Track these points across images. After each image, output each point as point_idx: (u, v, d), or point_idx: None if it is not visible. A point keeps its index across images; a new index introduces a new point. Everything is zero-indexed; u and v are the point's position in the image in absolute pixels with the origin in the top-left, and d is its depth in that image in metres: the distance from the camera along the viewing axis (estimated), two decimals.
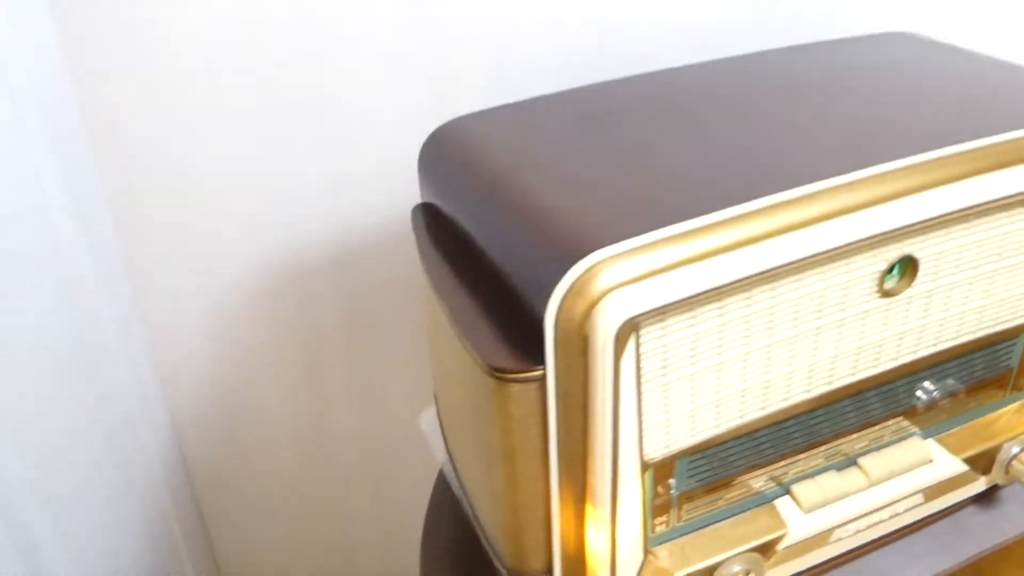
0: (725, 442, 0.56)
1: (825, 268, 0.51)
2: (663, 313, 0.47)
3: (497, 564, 0.59)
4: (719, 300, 0.49)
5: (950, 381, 0.63)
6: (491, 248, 0.54)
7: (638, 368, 0.48)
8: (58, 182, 0.78)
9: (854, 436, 0.62)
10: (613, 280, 0.45)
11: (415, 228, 0.62)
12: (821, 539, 0.61)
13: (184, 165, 0.85)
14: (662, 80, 0.67)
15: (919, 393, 0.63)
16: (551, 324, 0.46)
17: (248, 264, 0.92)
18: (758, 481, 0.60)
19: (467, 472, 0.63)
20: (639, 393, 0.49)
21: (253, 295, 0.94)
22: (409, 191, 0.89)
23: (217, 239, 0.89)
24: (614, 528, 0.53)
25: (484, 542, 0.61)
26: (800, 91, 0.64)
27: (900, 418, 0.63)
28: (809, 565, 0.62)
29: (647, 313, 0.45)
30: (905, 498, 0.63)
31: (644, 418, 0.51)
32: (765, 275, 0.48)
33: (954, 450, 0.65)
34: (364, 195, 0.91)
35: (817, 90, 0.64)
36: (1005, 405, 0.68)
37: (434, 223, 0.61)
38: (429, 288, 0.58)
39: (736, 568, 0.58)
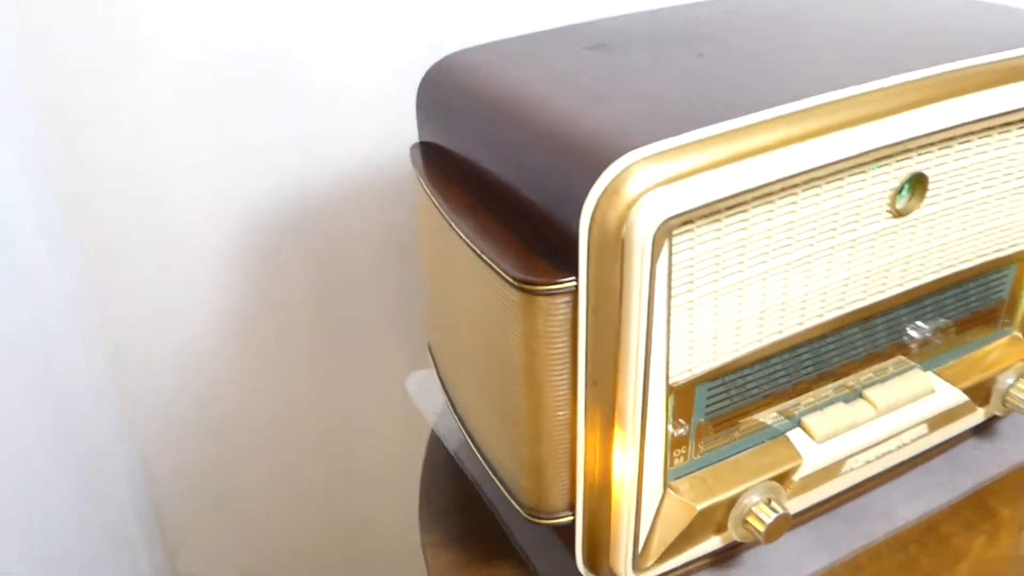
0: (742, 367, 0.55)
1: (843, 180, 0.51)
2: (693, 221, 0.47)
3: (515, 506, 0.57)
4: (744, 211, 0.48)
5: (949, 311, 0.64)
6: (506, 169, 0.52)
7: (669, 280, 0.47)
8: (11, 159, 0.74)
9: (861, 367, 0.62)
10: (649, 181, 0.44)
11: (415, 165, 0.60)
12: (834, 470, 0.61)
13: (138, 136, 0.81)
14: (666, 15, 0.67)
15: (920, 323, 0.63)
16: (585, 229, 0.44)
17: (209, 242, 0.88)
18: (771, 414, 0.59)
19: (480, 414, 0.61)
20: (668, 308, 0.48)
21: (217, 274, 0.91)
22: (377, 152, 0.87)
23: (176, 216, 0.86)
24: (642, 455, 0.51)
25: (500, 486, 0.58)
26: (810, 15, 0.64)
27: (901, 352, 0.64)
28: (823, 497, 0.62)
29: (684, 214, 0.44)
30: (911, 428, 0.63)
31: (672, 337, 0.50)
32: (788, 182, 0.48)
33: (952, 382, 0.66)
34: (329, 160, 0.88)
35: (826, 15, 0.64)
36: (997, 339, 0.69)
37: (436, 157, 0.60)
38: (438, 216, 0.56)
39: (756, 497, 0.57)
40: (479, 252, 0.50)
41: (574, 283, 0.46)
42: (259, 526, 1.08)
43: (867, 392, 0.63)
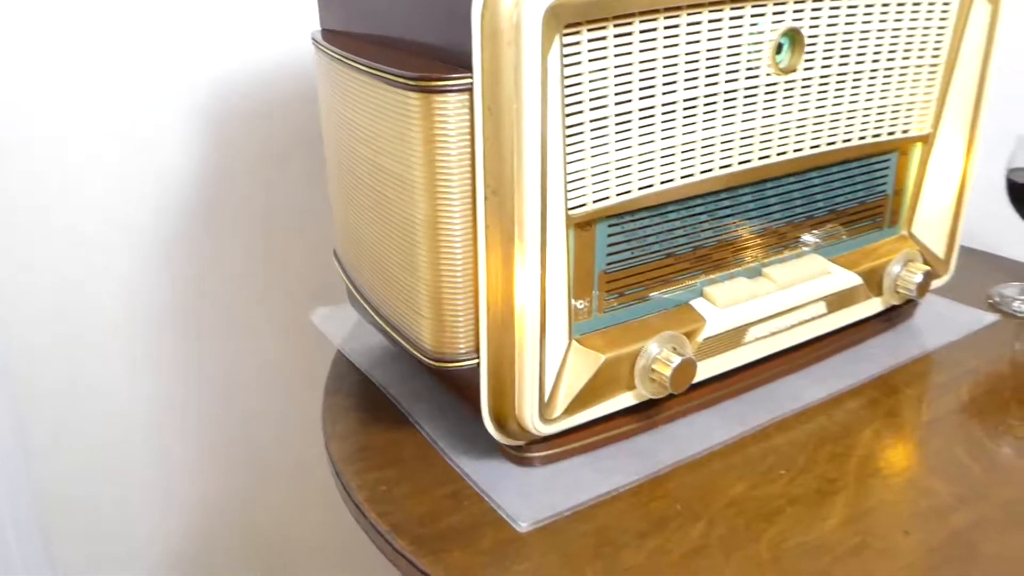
0: (638, 212, 0.56)
1: (722, 21, 0.54)
2: (580, 24, 0.48)
3: (420, 358, 0.55)
4: (628, 27, 0.50)
5: (837, 195, 0.67)
6: (399, 13, 0.54)
7: (562, 91, 0.48)
8: None
9: (758, 242, 0.63)
10: None
11: (315, 42, 0.61)
12: (736, 337, 0.61)
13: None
14: None
15: (813, 202, 0.65)
16: (477, 17, 0.45)
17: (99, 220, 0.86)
18: (675, 281, 0.60)
19: (382, 276, 0.59)
20: (563, 127, 0.49)
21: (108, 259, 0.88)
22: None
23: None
24: (544, 276, 0.51)
25: (404, 344, 0.57)
26: None
27: (797, 237, 0.66)
28: (729, 366, 0.62)
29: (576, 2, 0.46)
30: (810, 303, 0.64)
31: (568, 163, 0.50)
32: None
33: (847, 267, 0.68)
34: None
35: None
36: (886, 236, 0.72)
37: (336, 35, 0.61)
38: (337, 70, 0.56)
39: (661, 346, 0.57)
40: (376, 69, 0.50)
41: (469, 79, 0.47)
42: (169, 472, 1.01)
43: (767, 270, 0.64)
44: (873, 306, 0.69)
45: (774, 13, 0.56)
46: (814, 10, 0.58)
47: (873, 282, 0.69)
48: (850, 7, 0.60)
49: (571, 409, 0.55)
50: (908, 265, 0.69)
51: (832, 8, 0.59)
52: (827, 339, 0.70)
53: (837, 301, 0.66)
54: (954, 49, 0.67)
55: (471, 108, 0.48)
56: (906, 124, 0.68)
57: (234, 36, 0.86)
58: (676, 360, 0.55)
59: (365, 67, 0.52)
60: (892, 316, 0.75)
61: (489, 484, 0.56)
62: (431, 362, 0.54)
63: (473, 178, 0.49)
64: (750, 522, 0.53)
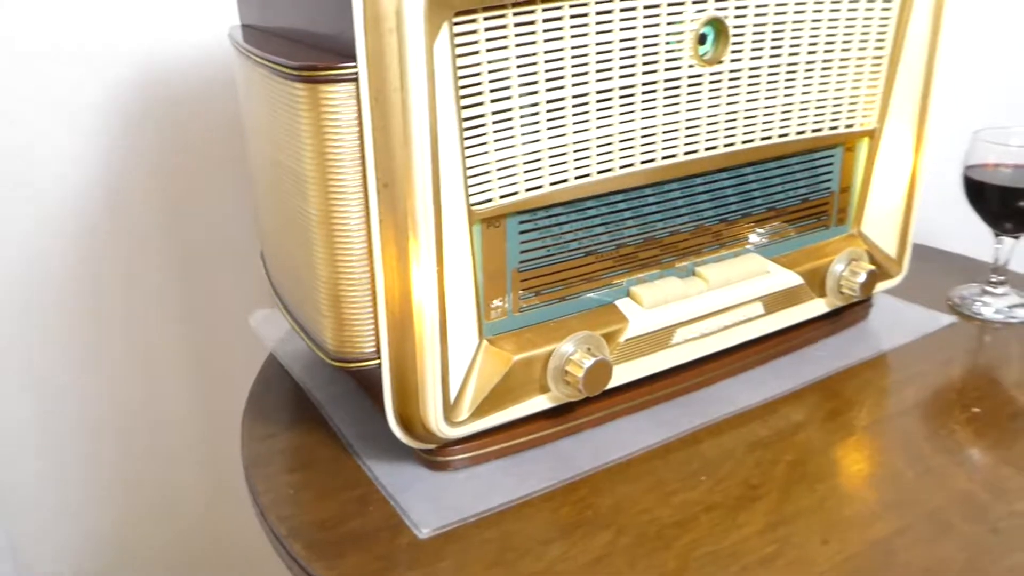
0: (553, 206, 0.54)
1: (636, 11, 0.52)
2: (475, 12, 0.46)
3: (325, 360, 0.53)
4: (531, 15, 0.48)
5: (776, 190, 0.65)
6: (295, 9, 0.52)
7: (455, 83, 0.47)
8: None
9: (690, 240, 0.61)
10: None
11: (232, 38, 0.60)
12: (663, 338, 0.59)
13: None
14: None
15: (751, 199, 0.63)
16: (359, 3, 0.44)
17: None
18: (599, 280, 0.58)
19: (289, 276, 0.58)
20: (459, 119, 0.47)
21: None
22: None
23: None
24: (441, 272, 0.49)
25: (311, 344, 0.55)
26: None
27: (735, 235, 0.64)
28: (655, 370, 0.60)
29: None
30: (745, 304, 0.62)
31: (467, 156, 0.49)
32: None
33: (789, 267, 0.65)
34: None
35: None
36: (834, 235, 0.69)
37: (251, 31, 0.59)
38: (247, 65, 0.55)
39: (574, 347, 0.55)
40: (267, 60, 0.49)
41: (355, 68, 0.45)
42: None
43: (700, 269, 0.62)
44: (817, 307, 0.67)
45: (694, 2, 0.54)
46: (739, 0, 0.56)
47: (816, 282, 0.66)
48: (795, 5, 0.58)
49: (480, 411, 0.53)
50: (852, 264, 0.66)
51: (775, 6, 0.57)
52: (771, 341, 0.67)
53: (776, 302, 0.64)
54: (898, 41, 0.65)
55: (358, 99, 0.46)
56: (849, 119, 0.66)
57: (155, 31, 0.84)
58: (589, 362, 0.54)
59: (259, 58, 0.50)
60: (844, 317, 0.72)
61: (398, 488, 0.55)
62: (333, 363, 0.53)
63: (364, 171, 0.47)
64: (662, 529, 0.51)
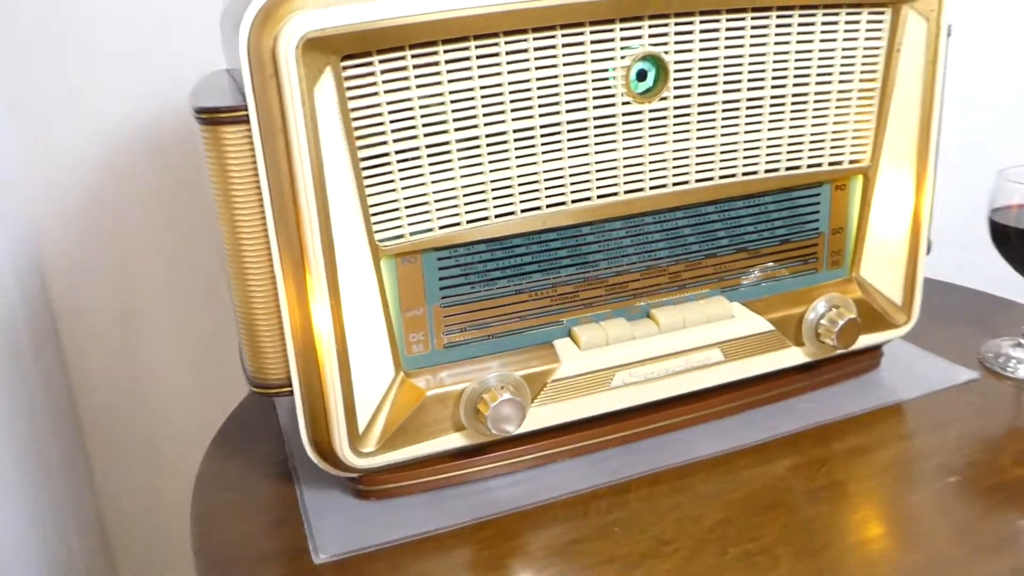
0: (475, 243, 0.54)
1: (556, 48, 0.52)
2: (370, 55, 0.48)
3: (248, 385, 0.56)
4: (434, 58, 0.49)
5: (747, 230, 0.61)
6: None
7: (348, 123, 0.48)
8: None
9: (642, 281, 0.60)
10: (303, 5, 0.46)
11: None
12: (601, 380, 0.58)
13: None
14: None
15: (713, 239, 0.61)
16: (244, 50, 0.46)
17: None
18: (532, 317, 0.58)
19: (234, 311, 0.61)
20: (354, 156, 0.49)
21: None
22: None
23: None
24: (337, 305, 0.50)
25: (243, 371, 0.58)
26: None
27: (703, 277, 0.61)
28: (593, 412, 0.58)
29: (333, 30, 0.46)
30: (698, 349, 0.59)
31: (368, 192, 0.50)
32: (482, 28, 0.49)
33: (761, 311, 0.62)
34: None
35: None
36: (825, 279, 0.65)
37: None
38: None
39: (488, 384, 0.54)
40: (193, 103, 0.52)
41: (246, 110, 0.48)
42: None
43: (656, 311, 0.60)
44: (793, 356, 0.63)
45: (623, 39, 0.53)
46: (681, 35, 0.54)
47: (794, 329, 0.62)
48: (735, 31, 0.55)
49: (391, 444, 0.54)
50: (831, 312, 0.62)
51: (706, 33, 0.55)
52: (753, 388, 0.64)
53: (741, 348, 0.61)
54: (888, 75, 0.60)
55: (251, 139, 0.49)
56: (835, 155, 0.61)
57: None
58: (497, 401, 0.53)
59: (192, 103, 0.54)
60: (847, 366, 0.67)
61: (317, 513, 0.56)
62: (252, 388, 0.55)
63: (263, 208, 0.50)
64: None
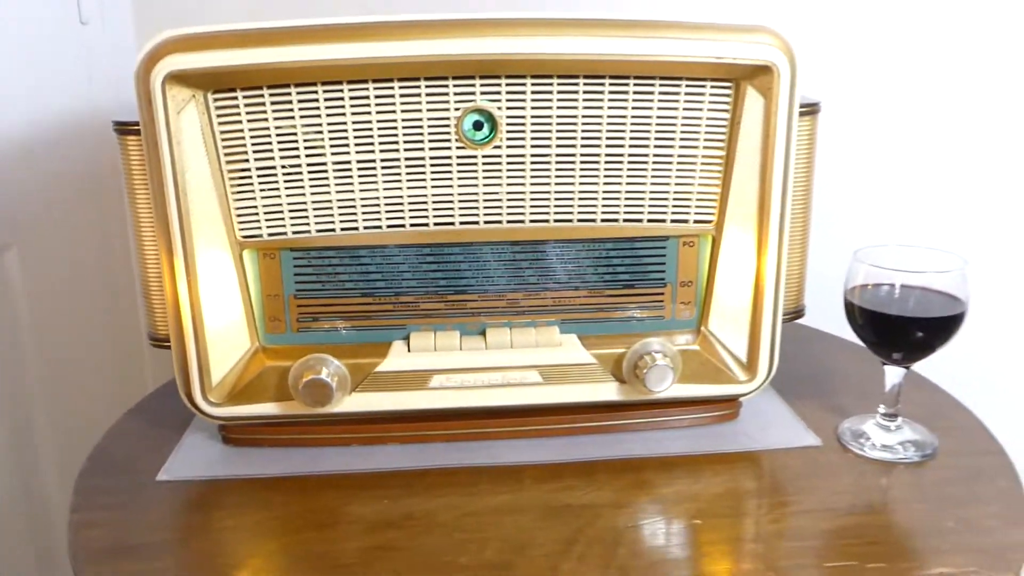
0: (325, 248, 0.66)
1: (394, 95, 0.62)
2: (235, 90, 0.61)
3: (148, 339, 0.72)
4: (287, 96, 0.61)
5: (586, 271, 0.68)
6: None
7: (216, 140, 0.62)
8: None
9: (479, 303, 0.68)
10: (174, 50, 0.60)
11: None
12: (420, 380, 0.67)
13: None
14: None
15: (549, 274, 0.68)
16: (135, 83, 0.61)
17: None
18: (377, 318, 0.68)
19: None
20: (221, 168, 0.62)
21: None
22: None
23: None
24: (193, 285, 0.64)
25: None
26: None
27: (543, 307, 0.69)
28: (412, 406, 0.68)
29: (192, 70, 0.59)
30: (517, 369, 0.67)
31: (233, 197, 0.63)
32: (327, 74, 0.61)
33: (594, 346, 0.68)
34: None
35: None
36: (674, 327, 0.70)
37: None
38: None
39: (306, 366, 0.65)
40: (113, 119, 0.68)
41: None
42: None
43: (490, 330, 0.68)
44: (608, 391, 0.68)
45: (457, 94, 0.63)
46: (512, 93, 0.63)
47: (614, 365, 0.68)
48: (567, 93, 0.63)
49: (235, 400, 0.67)
50: (646, 356, 0.67)
51: (538, 93, 0.63)
52: (584, 415, 0.71)
53: (559, 375, 0.68)
54: (731, 144, 0.65)
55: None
56: (678, 214, 0.67)
57: None
58: (308, 379, 0.65)
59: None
60: (711, 411, 0.72)
61: (185, 447, 0.70)
62: (151, 342, 0.70)
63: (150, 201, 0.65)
64: (277, 528, 0.60)
